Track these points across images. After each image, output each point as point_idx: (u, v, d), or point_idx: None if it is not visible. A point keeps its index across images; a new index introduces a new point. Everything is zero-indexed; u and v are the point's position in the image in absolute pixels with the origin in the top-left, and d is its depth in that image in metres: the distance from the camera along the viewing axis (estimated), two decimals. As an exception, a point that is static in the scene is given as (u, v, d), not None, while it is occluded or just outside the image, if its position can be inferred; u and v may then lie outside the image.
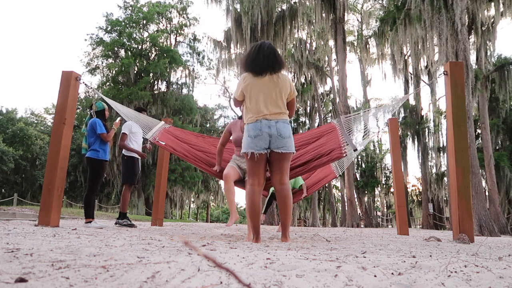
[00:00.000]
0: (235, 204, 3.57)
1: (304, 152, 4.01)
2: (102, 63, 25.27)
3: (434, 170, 22.45)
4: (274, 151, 2.85)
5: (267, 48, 2.87)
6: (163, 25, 27.36)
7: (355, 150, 3.86)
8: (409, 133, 21.14)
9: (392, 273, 1.29)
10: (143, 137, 4.99)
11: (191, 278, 1.06)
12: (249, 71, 2.88)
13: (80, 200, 27.21)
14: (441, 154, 21.47)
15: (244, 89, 2.91)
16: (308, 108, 27.26)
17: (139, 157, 5.54)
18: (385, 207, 33.75)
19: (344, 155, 3.70)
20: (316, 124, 27.13)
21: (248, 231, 3.49)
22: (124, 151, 5.44)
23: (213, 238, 3.36)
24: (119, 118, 5.18)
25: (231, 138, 3.76)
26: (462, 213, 3.68)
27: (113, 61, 24.58)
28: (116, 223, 5.26)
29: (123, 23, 25.08)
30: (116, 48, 24.68)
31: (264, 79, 2.85)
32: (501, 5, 14.17)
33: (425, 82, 19.83)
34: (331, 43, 22.60)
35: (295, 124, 27.98)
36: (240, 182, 3.61)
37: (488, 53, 17.67)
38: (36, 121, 33.23)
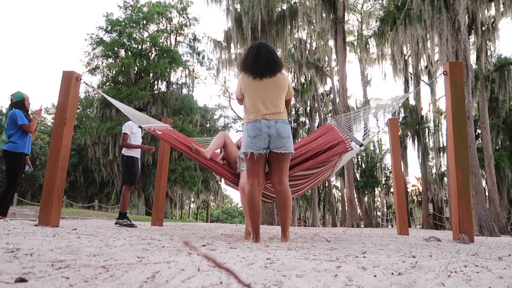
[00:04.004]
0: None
1: (307, 159, 3.91)
2: (102, 63, 25.26)
3: (434, 170, 22.45)
4: (273, 152, 2.84)
5: (265, 52, 2.82)
6: (163, 25, 27.35)
7: (361, 145, 3.73)
8: (409, 133, 21.12)
9: (392, 273, 1.29)
10: (139, 127, 4.79)
11: (191, 278, 1.06)
12: (248, 73, 2.86)
13: (80, 200, 27.21)
14: (441, 154, 21.45)
15: (243, 89, 2.91)
16: (308, 108, 27.25)
17: (139, 157, 5.54)
18: (385, 207, 33.73)
19: (349, 149, 3.59)
20: (316, 124, 27.13)
21: (245, 230, 3.49)
22: (123, 151, 5.43)
23: (213, 238, 3.36)
24: (40, 106, 4.96)
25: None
26: (462, 213, 3.67)
27: (113, 61, 24.57)
28: (116, 223, 5.26)
29: (123, 23, 25.07)
30: (116, 48, 24.67)
31: (263, 80, 2.84)
32: (501, 5, 14.17)
33: (425, 82, 19.82)
34: (331, 43, 22.60)
35: (295, 124, 27.95)
36: None
37: (488, 53, 17.67)
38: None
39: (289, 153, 2.88)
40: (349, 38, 24.92)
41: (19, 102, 4.65)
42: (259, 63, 2.80)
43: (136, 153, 5.47)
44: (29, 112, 4.80)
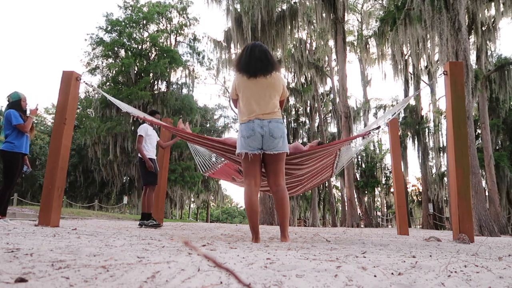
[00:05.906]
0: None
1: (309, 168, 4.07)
2: (102, 63, 25.27)
3: (434, 170, 22.45)
4: (266, 153, 2.84)
5: (258, 52, 2.85)
6: (163, 25, 27.35)
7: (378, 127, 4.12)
8: (409, 133, 21.13)
9: (392, 273, 1.28)
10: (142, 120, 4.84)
11: (191, 278, 1.06)
12: (242, 73, 2.88)
13: (80, 200, 27.20)
14: (441, 154, 21.47)
15: (237, 89, 2.92)
16: (308, 108, 27.26)
17: (155, 157, 5.55)
18: (385, 207, 33.74)
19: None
20: (316, 124, 27.12)
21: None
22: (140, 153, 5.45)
23: (213, 238, 3.36)
24: (36, 105, 4.96)
25: None
26: (462, 213, 3.67)
27: (113, 61, 24.58)
28: (140, 225, 5.20)
29: (123, 23, 25.07)
30: (116, 48, 24.67)
31: (257, 80, 2.84)
32: (501, 5, 14.17)
33: (425, 82, 19.82)
34: (331, 43, 22.59)
35: (295, 124, 27.92)
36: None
37: (488, 53, 17.67)
38: (36, 121, 33.23)
39: (282, 153, 2.86)
40: (349, 38, 24.92)
41: (15, 102, 4.69)
42: (253, 62, 2.82)
43: (152, 154, 5.49)
44: (26, 112, 4.80)
